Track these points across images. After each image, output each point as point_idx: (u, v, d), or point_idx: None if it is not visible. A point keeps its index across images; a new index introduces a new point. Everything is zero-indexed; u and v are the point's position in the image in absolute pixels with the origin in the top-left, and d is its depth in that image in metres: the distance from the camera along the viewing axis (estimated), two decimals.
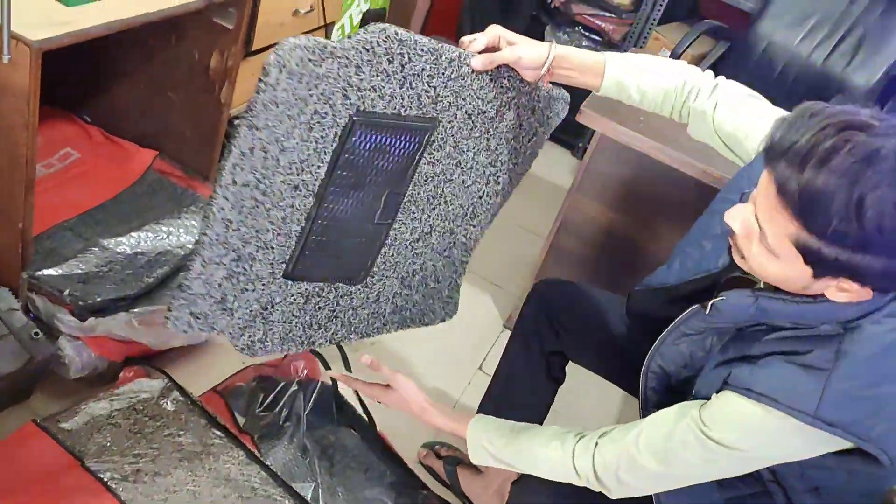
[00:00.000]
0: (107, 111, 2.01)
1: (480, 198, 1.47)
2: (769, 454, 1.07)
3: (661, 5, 3.14)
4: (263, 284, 1.21)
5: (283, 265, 1.23)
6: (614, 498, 1.18)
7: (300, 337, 1.32)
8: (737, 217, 0.99)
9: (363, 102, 1.22)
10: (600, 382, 1.62)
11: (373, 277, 1.38)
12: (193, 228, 1.84)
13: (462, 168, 1.39)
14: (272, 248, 1.19)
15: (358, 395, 1.89)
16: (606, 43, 3.21)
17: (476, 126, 1.35)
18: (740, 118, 1.21)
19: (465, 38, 1.22)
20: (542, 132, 1.46)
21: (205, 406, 1.61)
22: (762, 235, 0.96)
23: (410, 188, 1.33)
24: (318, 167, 1.21)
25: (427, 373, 2.12)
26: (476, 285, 2.47)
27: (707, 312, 1.12)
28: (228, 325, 1.19)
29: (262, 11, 1.84)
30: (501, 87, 1.33)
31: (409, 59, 1.25)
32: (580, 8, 3.19)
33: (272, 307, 1.24)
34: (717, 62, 2.90)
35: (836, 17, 2.72)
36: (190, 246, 1.79)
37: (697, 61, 3.01)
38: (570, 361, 1.64)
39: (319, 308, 1.32)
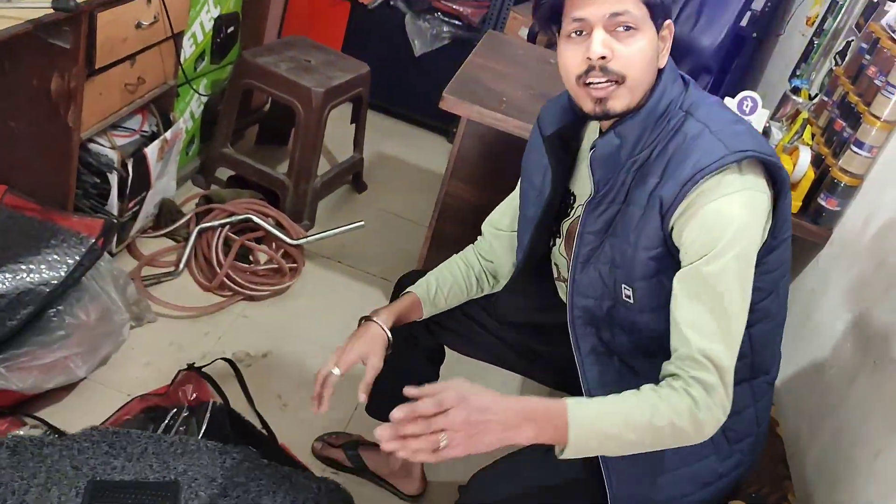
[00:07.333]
0: None
1: None
2: (750, 228, 1.08)
3: None
4: None
5: None
6: (723, 411, 1.08)
7: None
8: (598, 42, 1.09)
9: (95, 474, 1.46)
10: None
11: None
12: (57, 263, 1.73)
13: None
14: None
15: (255, 410, 1.85)
16: (466, 27, 3.24)
17: None
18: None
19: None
20: None
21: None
22: (629, 19, 1.09)
23: None
24: None
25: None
26: (363, 280, 2.45)
27: (594, 190, 1.18)
28: None
29: (100, 27, 1.74)
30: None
31: (129, 441, 1.52)
32: None
33: None
34: None
35: None
36: (55, 282, 1.69)
37: None
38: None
39: None
